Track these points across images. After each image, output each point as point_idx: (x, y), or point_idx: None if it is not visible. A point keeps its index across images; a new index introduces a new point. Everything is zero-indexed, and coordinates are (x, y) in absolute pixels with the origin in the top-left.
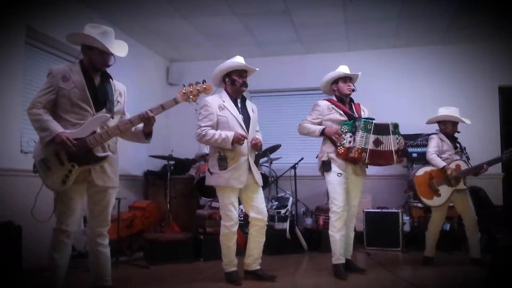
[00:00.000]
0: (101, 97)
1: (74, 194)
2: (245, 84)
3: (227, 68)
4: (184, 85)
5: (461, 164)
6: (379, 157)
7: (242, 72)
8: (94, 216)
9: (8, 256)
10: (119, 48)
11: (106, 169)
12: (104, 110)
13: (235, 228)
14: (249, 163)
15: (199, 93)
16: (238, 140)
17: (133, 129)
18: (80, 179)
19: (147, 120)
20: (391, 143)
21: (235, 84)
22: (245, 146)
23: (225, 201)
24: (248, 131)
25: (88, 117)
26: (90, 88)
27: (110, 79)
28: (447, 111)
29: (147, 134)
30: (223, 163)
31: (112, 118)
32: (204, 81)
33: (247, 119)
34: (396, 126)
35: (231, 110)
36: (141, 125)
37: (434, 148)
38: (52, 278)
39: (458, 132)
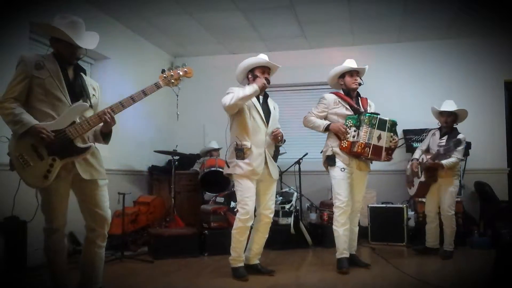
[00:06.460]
0: (77, 89)
1: (60, 189)
2: (267, 81)
3: (250, 65)
4: (164, 70)
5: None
6: (379, 152)
7: (264, 69)
8: (91, 215)
9: (13, 251)
10: (88, 40)
11: (91, 162)
12: (81, 100)
13: (250, 223)
14: (265, 156)
15: (180, 77)
16: (260, 82)
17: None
18: (64, 174)
19: (105, 121)
20: (384, 139)
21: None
22: (262, 140)
23: (243, 194)
24: (268, 125)
25: (64, 108)
26: (65, 79)
27: (83, 74)
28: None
29: (105, 135)
30: (240, 153)
31: (91, 107)
32: (184, 65)
33: (267, 115)
34: (393, 124)
35: (254, 104)
36: (100, 125)
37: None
38: (54, 277)
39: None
